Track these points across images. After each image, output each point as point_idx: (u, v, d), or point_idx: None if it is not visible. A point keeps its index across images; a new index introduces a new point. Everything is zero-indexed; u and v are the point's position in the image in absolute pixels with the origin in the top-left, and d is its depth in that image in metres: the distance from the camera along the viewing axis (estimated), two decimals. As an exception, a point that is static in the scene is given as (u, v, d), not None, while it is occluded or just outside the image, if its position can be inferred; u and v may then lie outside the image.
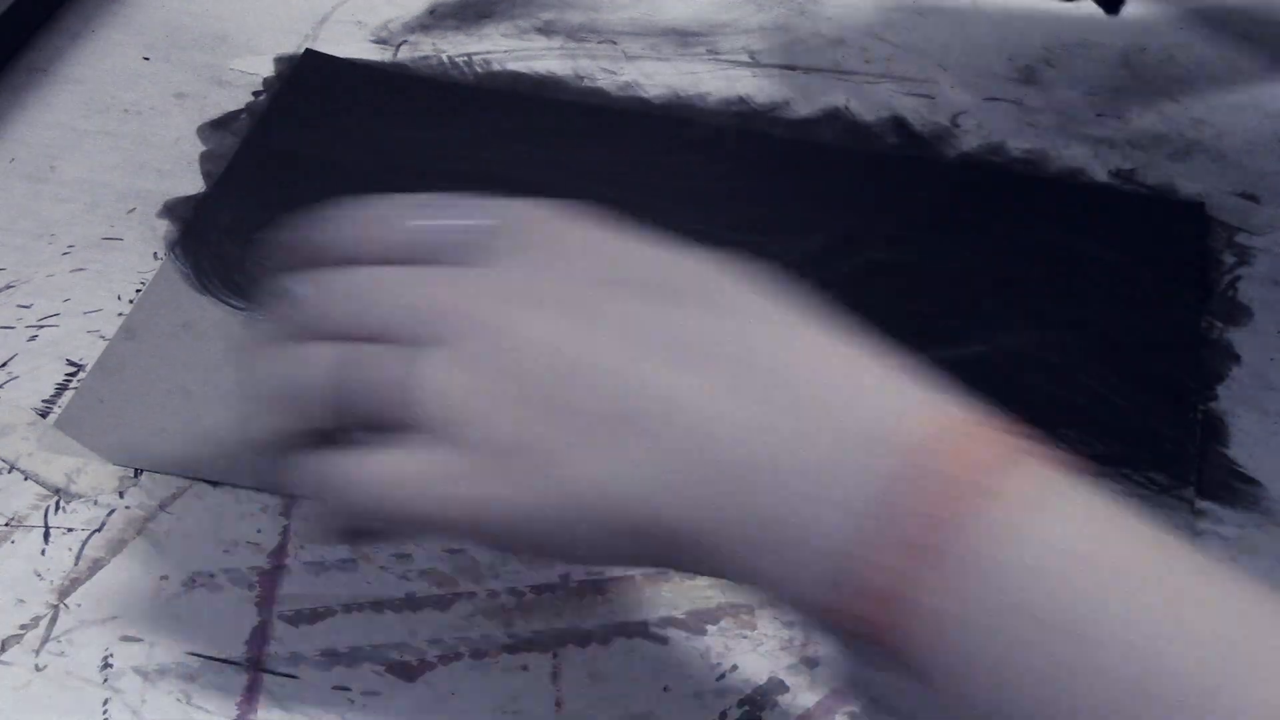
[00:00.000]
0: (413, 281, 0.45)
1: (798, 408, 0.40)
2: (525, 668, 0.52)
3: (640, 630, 0.53)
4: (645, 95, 0.75)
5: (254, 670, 0.51)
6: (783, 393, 0.40)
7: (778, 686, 0.52)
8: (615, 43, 0.79)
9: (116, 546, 0.54)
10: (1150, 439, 0.60)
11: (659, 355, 0.41)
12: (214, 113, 0.73)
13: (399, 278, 0.45)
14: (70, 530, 0.55)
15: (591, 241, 0.45)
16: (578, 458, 0.41)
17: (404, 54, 0.77)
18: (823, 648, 0.53)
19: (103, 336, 0.62)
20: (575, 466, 0.41)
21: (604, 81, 0.76)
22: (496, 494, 0.42)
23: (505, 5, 0.81)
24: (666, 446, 0.40)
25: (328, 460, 0.44)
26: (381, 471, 0.43)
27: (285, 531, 0.55)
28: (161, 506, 0.56)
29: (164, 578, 0.54)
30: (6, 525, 0.55)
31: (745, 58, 0.78)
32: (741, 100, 0.75)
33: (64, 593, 0.53)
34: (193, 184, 0.69)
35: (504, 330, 0.43)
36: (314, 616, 0.53)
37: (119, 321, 0.62)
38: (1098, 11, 0.76)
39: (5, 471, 0.56)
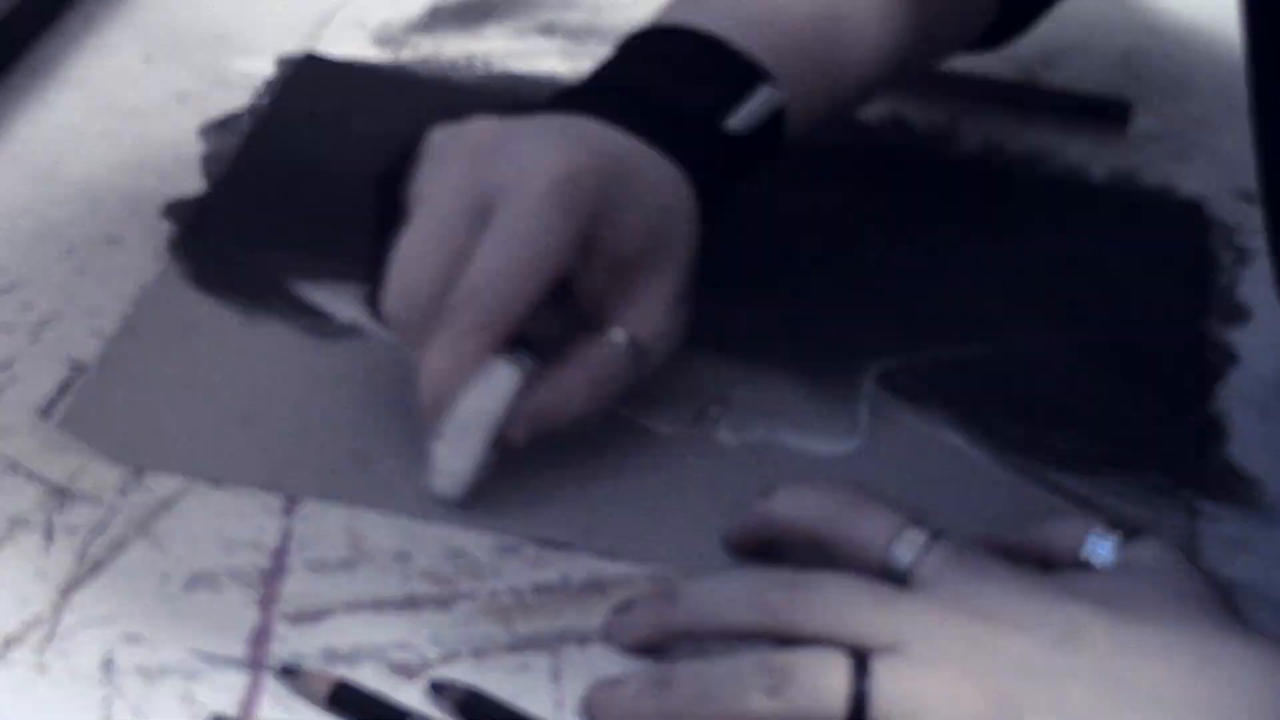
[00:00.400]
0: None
1: None
2: (525, 668, 0.52)
3: (641, 630, 0.53)
4: (646, 96, 0.75)
5: (256, 669, 0.51)
6: None
7: (778, 686, 0.52)
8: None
9: (118, 546, 0.54)
10: (1150, 439, 0.60)
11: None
12: (215, 114, 0.73)
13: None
14: (73, 530, 0.55)
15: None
16: None
17: (405, 55, 0.77)
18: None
19: (105, 337, 0.62)
20: None
21: (605, 82, 0.76)
22: None
23: (506, 6, 0.81)
24: None
25: None
26: None
27: (286, 531, 0.55)
28: (163, 506, 0.56)
29: (166, 577, 0.54)
30: (9, 525, 0.55)
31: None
32: (742, 101, 0.75)
33: (66, 592, 0.53)
34: (194, 185, 0.69)
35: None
36: (315, 616, 0.53)
37: (121, 322, 0.62)
38: (1097, 11, 0.76)
39: (8, 471, 0.56)
